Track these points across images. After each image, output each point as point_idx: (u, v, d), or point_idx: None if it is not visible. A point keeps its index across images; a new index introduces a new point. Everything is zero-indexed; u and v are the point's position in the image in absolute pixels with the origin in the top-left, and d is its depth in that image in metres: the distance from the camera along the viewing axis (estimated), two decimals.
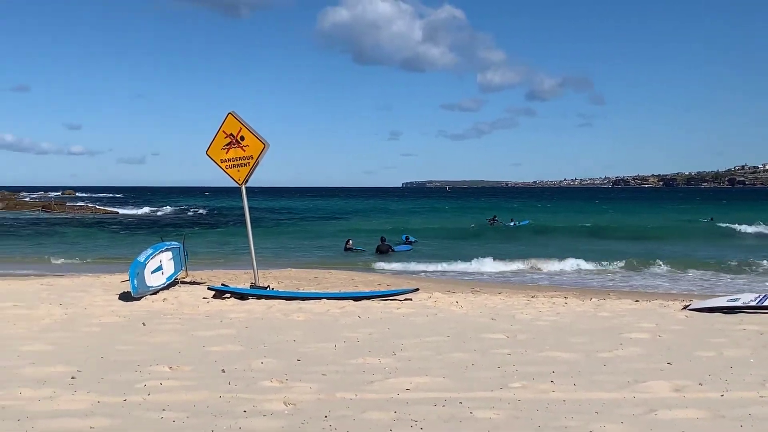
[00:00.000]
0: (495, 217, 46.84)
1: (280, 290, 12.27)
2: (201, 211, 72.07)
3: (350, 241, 29.01)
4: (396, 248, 28.46)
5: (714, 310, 10.71)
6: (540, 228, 43.71)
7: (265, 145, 12.33)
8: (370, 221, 53.87)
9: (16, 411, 4.91)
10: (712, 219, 52.43)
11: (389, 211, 77.15)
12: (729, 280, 19.80)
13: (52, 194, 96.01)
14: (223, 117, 12.59)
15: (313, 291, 12.37)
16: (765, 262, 22.28)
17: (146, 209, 73.83)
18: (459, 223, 48.80)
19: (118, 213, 67.20)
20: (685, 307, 11.23)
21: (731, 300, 11.23)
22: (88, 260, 23.42)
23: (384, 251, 27.33)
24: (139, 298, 10.96)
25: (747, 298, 11.18)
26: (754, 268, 21.86)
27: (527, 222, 46.24)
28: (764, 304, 10.75)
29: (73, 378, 5.92)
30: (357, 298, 11.66)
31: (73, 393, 5.43)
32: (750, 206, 76.26)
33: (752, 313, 10.46)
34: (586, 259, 22.89)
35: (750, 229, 40.39)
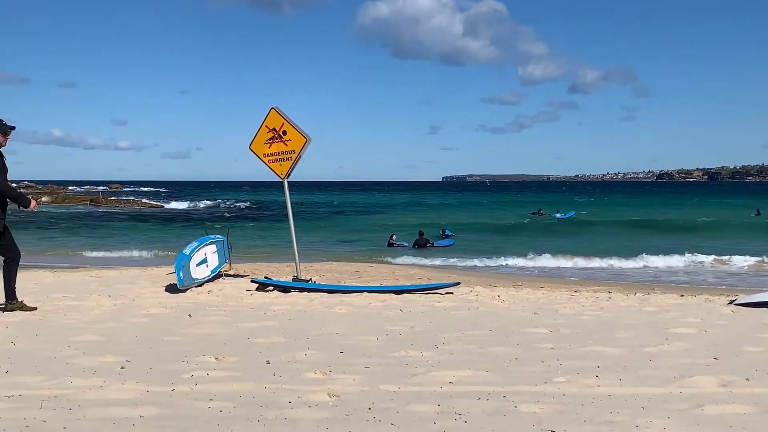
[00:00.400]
0: (540, 210, 46.47)
1: (322, 283, 12.31)
2: (242, 205, 72.50)
3: (394, 236, 29.01)
4: (436, 243, 28.43)
5: (761, 305, 10.59)
6: (585, 222, 43.56)
7: (307, 139, 12.35)
8: (408, 216, 53.81)
9: (68, 400, 4.98)
10: (758, 212, 51.72)
11: (428, 205, 77.03)
12: None
13: (100, 188, 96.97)
14: (266, 112, 12.65)
15: (355, 284, 12.39)
16: None
17: (190, 203, 74.34)
18: (498, 218, 48.50)
19: (163, 207, 67.83)
20: (731, 302, 11.12)
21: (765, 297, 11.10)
22: (135, 253, 23.65)
23: (422, 245, 27.36)
24: (184, 290, 11.04)
25: None
26: None
27: (573, 213, 45.77)
28: None
29: (122, 368, 5.99)
30: (398, 291, 11.67)
31: (122, 383, 5.49)
32: None
33: None
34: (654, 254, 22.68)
35: None
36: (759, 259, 21.61)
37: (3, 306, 9.05)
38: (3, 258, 9.13)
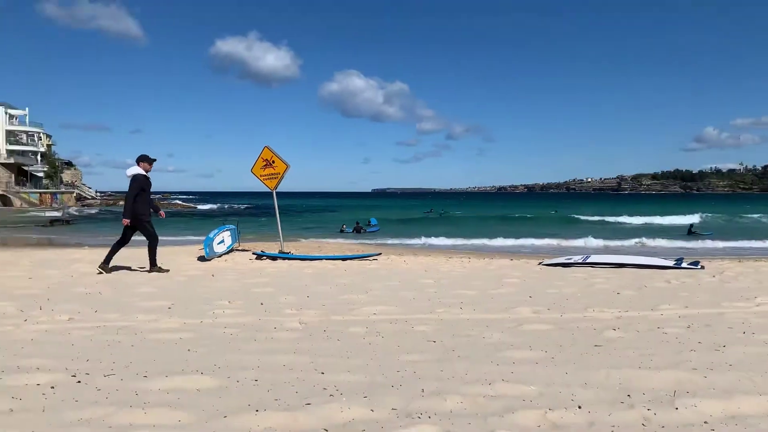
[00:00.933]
0: (432, 209, 46.40)
1: (297, 254, 12.21)
2: (242, 206, 71.48)
3: (344, 225, 29.14)
4: (368, 229, 28.50)
5: (557, 265, 10.84)
6: (457, 216, 43.94)
7: (287, 166, 12.31)
8: (350, 213, 53.64)
9: (133, 328, 4.87)
10: (556, 211, 52.76)
11: (363, 206, 76.93)
12: (568, 247, 20.03)
13: (156, 196, 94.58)
14: (261, 148, 12.61)
15: (318, 255, 12.31)
16: (590, 237, 22.52)
17: (213, 206, 73.06)
18: (405, 214, 48.64)
19: (196, 207, 66.56)
20: (540, 263, 11.35)
21: (567, 259, 11.37)
22: (177, 235, 23.15)
23: (359, 231, 27.42)
24: (210, 260, 10.88)
25: (576, 258, 11.32)
26: (584, 239, 22.12)
27: (444, 211, 45.48)
28: (587, 261, 10.90)
29: (169, 308, 5.87)
30: (344, 259, 11.64)
31: (169, 317, 5.38)
32: (579, 204, 76.90)
33: (580, 266, 10.60)
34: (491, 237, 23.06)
35: (583, 217, 40.64)
36: (555, 240, 22.07)
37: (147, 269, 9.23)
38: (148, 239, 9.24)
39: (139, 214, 8.91)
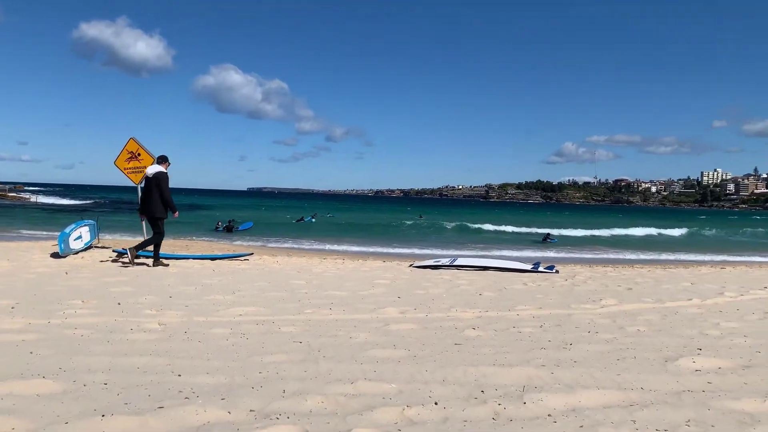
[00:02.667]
0: (303, 218, 44.46)
1: (161, 252, 11.65)
2: (106, 201, 67.02)
3: (219, 222, 28.26)
4: (240, 227, 27.82)
5: (426, 267, 11.17)
6: (332, 220, 43.97)
7: (154, 159, 11.69)
8: (225, 210, 52.05)
9: None
10: (421, 216, 53.21)
11: (239, 205, 74.88)
12: (437, 251, 20.69)
13: (7, 186, 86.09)
14: (126, 140, 11.91)
15: (184, 254, 11.82)
16: (454, 242, 23.38)
17: (73, 200, 67.88)
18: (280, 219, 47.93)
19: (54, 203, 61.62)
20: (410, 266, 11.64)
21: (436, 261, 11.75)
22: (29, 231, 21.27)
23: (230, 229, 26.70)
24: (64, 257, 10.09)
25: (444, 260, 11.74)
26: (448, 244, 22.94)
27: (312, 220, 43.65)
28: (454, 263, 11.32)
29: (12, 308, 5.36)
30: (213, 258, 11.27)
31: (11, 318, 4.91)
32: (448, 211, 79.55)
33: (447, 269, 10.99)
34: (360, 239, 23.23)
35: (449, 225, 41.98)
36: (418, 246, 22.72)
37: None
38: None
39: (154, 210, 9.65)
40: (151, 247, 9.92)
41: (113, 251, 11.29)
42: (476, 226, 36.18)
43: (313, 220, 40.05)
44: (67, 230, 10.83)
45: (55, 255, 10.29)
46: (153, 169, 9.77)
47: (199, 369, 3.55)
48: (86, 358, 3.72)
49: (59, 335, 4.37)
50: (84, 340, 4.23)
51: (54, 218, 31.04)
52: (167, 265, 9.64)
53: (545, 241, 27.30)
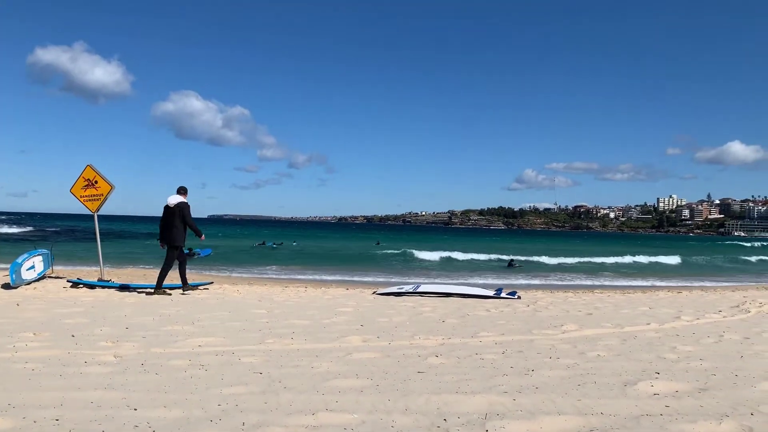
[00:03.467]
0: (264, 242, 43.92)
1: (118, 282, 11.38)
2: (60, 230, 65.12)
3: (191, 250, 27.91)
4: (202, 253, 27.36)
5: (390, 294, 11.17)
6: (295, 248, 43.66)
7: (112, 187, 11.53)
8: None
9: None
10: (378, 242, 53.18)
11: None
12: (400, 278, 20.72)
13: None
14: (83, 167, 11.69)
15: (142, 283, 11.57)
16: (417, 268, 23.45)
17: (27, 228, 65.82)
18: (241, 246, 47.41)
19: (4, 232, 59.61)
20: (374, 293, 11.62)
21: (399, 288, 11.76)
22: None
23: (191, 256, 26.27)
24: (16, 287, 9.77)
25: (407, 287, 11.76)
26: (411, 271, 23.00)
27: (274, 246, 42.84)
28: (417, 290, 11.35)
29: None
30: (172, 288, 11.06)
31: None
32: (412, 237, 79.83)
33: (411, 296, 11.01)
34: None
35: (419, 252, 41.69)
36: (380, 274, 22.77)
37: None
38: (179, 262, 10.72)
39: (174, 239, 10.21)
40: (178, 278, 10.84)
41: (67, 281, 10.98)
42: (444, 254, 36.34)
43: (275, 246, 39.72)
44: (19, 260, 10.50)
45: (6, 286, 9.96)
46: (174, 199, 10.21)
47: (156, 402, 3.46)
48: (37, 393, 3.59)
49: (8, 369, 4.21)
50: (35, 374, 4.09)
51: (4, 248, 30.09)
52: (170, 294, 10.13)
53: (510, 266, 27.63)
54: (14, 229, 61.93)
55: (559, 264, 31.27)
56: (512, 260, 29.87)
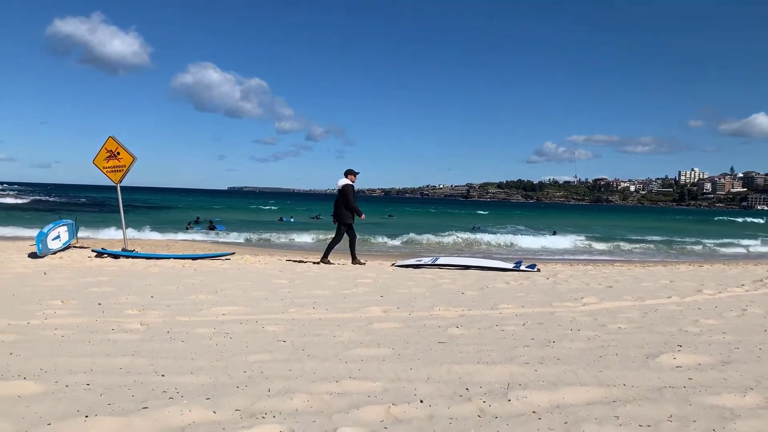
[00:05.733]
0: (281, 218, 43.33)
1: (141, 252, 11.54)
2: (84, 200, 66.02)
3: (198, 218, 28.78)
4: (219, 227, 27.78)
5: (408, 266, 11.20)
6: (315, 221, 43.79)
7: (134, 158, 11.62)
8: (204, 211, 51.70)
9: None
10: (390, 215, 52.48)
11: (217, 203, 74.35)
12: (418, 250, 20.74)
13: None
14: (105, 139, 11.78)
15: (165, 253, 11.72)
16: (427, 239, 23.40)
17: (50, 198, 66.86)
18: (265, 216, 47.75)
19: (26, 198, 60.62)
20: (393, 264, 11.66)
21: (418, 260, 11.79)
22: (6, 230, 20.94)
23: (212, 228, 26.76)
24: (43, 257, 9.98)
25: (426, 259, 11.78)
26: (427, 243, 23.00)
27: (292, 220, 42.71)
28: (436, 263, 11.37)
29: None
30: (194, 258, 11.20)
31: None
32: (424, 211, 79.56)
33: (429, 267, 11.03)
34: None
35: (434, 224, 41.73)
36: (405, 242, 22.71)
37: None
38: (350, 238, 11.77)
39: (342, 217, 11.33)
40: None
41: (92, 251, 11.17)
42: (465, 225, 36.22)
43: (293, 220, 39.87)
44: (45, 230, 10.70)
45: (32, 255, 10.17)
46: (341, 181, 11.44)
47: (183, 369, 3.53)
48: (68, 358, 3.67)
49: (39, 336, 4.31)
50: (65, 341, 4.18)
51: (31, 217, 30.60)
52: (332, 263, 11.30)
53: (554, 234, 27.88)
54: (38, 199, 62.93)
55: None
56: (554, 232, 29.99)
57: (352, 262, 11.51)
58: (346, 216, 11.35)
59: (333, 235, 11.72)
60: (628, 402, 3.09)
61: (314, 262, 11.30)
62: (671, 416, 2.90)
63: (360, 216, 11.47)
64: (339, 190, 11.50)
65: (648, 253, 22.67)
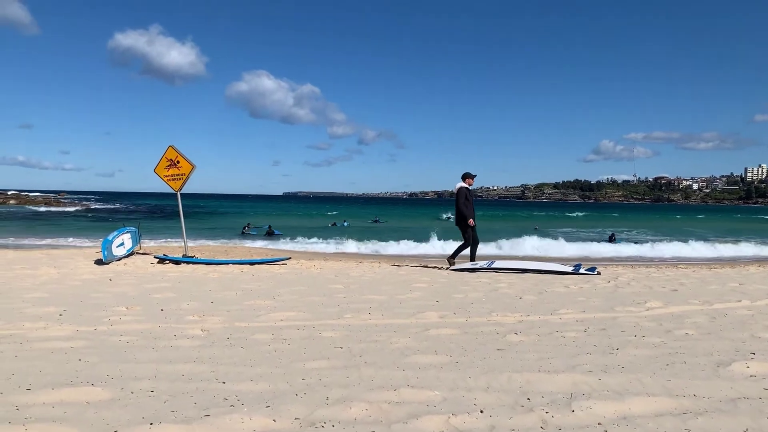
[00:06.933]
0: (335, 223, 43.54)
1: (201, 258, 11.82)
2: (146, 208, 68.27)
3: (245, 227, 29.27)
4: (276, 232, 28.29)
5: (464, 270, 11.08)
6: (370, 227, 43.93)
7: (193, 166, 11.94)
8: (261, 217, 52.65)
9: (19, 337, 4.53)
10: (449, 217, 51.58)
11: (275, 208, 75.62)
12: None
13: (52, 195, 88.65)
14: (165, 147, 12.16)
15: (224, 259, 11.97)
16: (500, 241, 23.00)
17: (115, 206, 69.51)
18: (317, 222, 48.29)
19: (92, 207, 63.24)
20: (447, 268, 11.56)
21: (473, 264, 11.65)
22: (74, 238, 21.86)
23: (270, 233, 27.24)
24: (108, 263, 10.36)
25: (482, 263, 11.63)
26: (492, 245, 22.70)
27: (345, 224, 42.70)
28: (492, 266, 11.21)
29: (60, 315, 5.51)
30: (251, 263, 11.39)
31: (60, 324, 5.05)
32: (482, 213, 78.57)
33: (485, 271, 10.89)
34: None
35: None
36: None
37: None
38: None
39: (460, 219, 11.47)
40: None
41: (154, 257, 11.51)
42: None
43: (346, 224, 40.07)
44: (110, 237, 11.10)
45: (98, 262, 10.56)
46: (458, 185, 11.64)
47: (243, 376, 3.57)
48: (133, 365, 3.78)
49: (106, 342, 4.46)
50: (130, 347, 4.31)
51: (96, 225, 31.87)
52: (454, 263, 11.65)
53: (611, 240, 26.94)
54: (103, 207, 65.53)
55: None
56: (613, 234, 29.19)
57: (448, 258, 11.89)
58: (459, 219, 11.54)
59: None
60: (699, 414, 2.95)
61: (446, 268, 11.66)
62: (747, 429, 2.75)
63: (467, 220, 11.38)
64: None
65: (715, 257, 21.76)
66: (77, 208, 60.06)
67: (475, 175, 11.79)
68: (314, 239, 24.61)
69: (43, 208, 53.30)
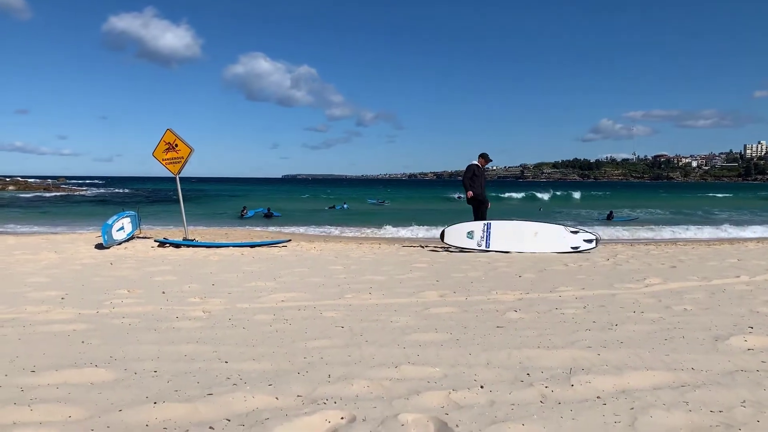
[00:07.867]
0: (334, 206, 42.92)
1: (202, 241, 11.84)
2: (145, 192, 68.17)
3: (245, 208, 29.28)
4: (275, 214, 28.30)
5: (462, 250, 11.10)
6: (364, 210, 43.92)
7: (191, 149, 11.91)
8: (260, 199, 52.56)
9: (22, 320, 4.56)
10: (460, 197, 52.19)
11: (274, 191, 75.44)
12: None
13: (50, 180, 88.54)
14: (163, 131, 12.11)
15: (224, 242, 11.99)
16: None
17: (114, 190, 69.47)
18: (315, 204, 48.31)
19: (91, 192, 63.18)
20: (447, 249, 11.58)
21: (469, 237, 11.65)
22: (75, 222, 21.87)
23: (269, 216, 27.24)
24: (108, 247, 10.38)
25: (478, 234, 11.63)
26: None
27: (345, 206, 42.15)
28: (488, 247, 11.23)
29: (62, 299, 5.53)
30: (252, 246, 11.42)
31: (62, 308, 5.08)
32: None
33: (484, 252, 10.92)
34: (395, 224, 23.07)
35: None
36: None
37: None
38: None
39: (476, 194, 11.48)
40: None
41: (155, 241, 11.53)
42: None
43: (346, 206, 39.99)
44: (109, 221, 11.12)
45: (99, 246, 10.59)
46: (470, 163, 11.66)
47: (245, 355, 3.60)
48: (135, 346, 3.81)
49: (108, 325, 4.49)
50: (132, 329, 4.33)
51: (96, 210, 31.86)
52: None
53: (609, 219, 27.03)
54: (102, 192, 65.51)
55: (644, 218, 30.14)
56: (611, 212, 29.17)
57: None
58: (476, 193, 11.53)
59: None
60: (697, 387, 2.98)
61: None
62: (744, 401, 2.78)
63: (467, 194, 11.50)
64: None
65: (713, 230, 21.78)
66: (76, 193, 60.01)
67: (491, 160, 11.85)
68: (314, 221, 24.55)
69: (43, 194, 53.27)
